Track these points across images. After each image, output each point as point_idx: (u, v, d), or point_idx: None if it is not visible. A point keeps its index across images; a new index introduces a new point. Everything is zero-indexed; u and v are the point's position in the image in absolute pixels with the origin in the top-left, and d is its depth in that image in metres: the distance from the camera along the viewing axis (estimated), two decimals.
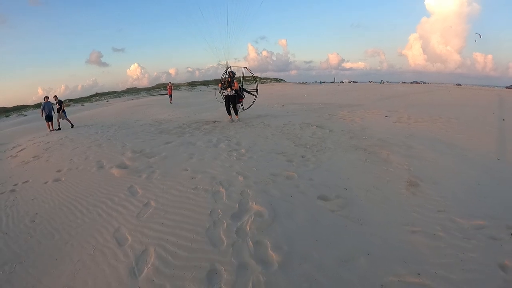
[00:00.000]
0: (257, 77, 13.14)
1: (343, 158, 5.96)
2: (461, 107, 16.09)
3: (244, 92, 11.83)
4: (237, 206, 3.87)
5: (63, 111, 13.93)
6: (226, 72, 11.44)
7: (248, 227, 3.35)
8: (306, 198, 4.11)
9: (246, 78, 13.32)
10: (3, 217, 4.55)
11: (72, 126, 13.69)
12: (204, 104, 22.79)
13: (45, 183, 5.64)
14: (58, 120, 13.76)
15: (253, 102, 12.96)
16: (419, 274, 2.63)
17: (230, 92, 10.84)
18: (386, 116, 11.29)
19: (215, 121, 11.35)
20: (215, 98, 13.73)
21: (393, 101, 19.79)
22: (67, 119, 14.06)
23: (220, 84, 11.66)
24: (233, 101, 11.01)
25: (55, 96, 14.14)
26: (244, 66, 12.90)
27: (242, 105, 12.09)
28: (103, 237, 3.52)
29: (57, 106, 13.84)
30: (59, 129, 13.42)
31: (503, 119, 10.60)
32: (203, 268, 2.74)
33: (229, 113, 11.36)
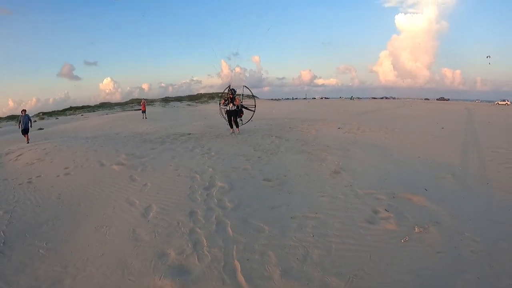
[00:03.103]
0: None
1: (290, 158, 7.97)
2: (412, 119, 18.90)
3: (243, 108, 13.26)
4: (207, 183, 5.82)
5: None
6: (228, 89, 12.93)
7: (214, 193, 5.31)
8: (255, 179, 6.09)
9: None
10: (31, 197, 6.09)
11: None
12: (178, 119, 24.46)
13: (57, 176, 7.20)
14: None
15: (251, 117, 14.27)
16: (316, 213, 4.56)
17: (232, 107, 12.51)
18: (339, 128, 13.50)
19: (190, 134, 13.09)
20: (219, 114, 14.84)
21: (354, 115, 22.53)
22: None
23: (223, 101, 13.30)
24: (234, 115, 12.62)
25: None
26: (244, 85, 14.54)
27: (241, 120, 13.37)
28: (118, 202, 5.29)
29: None
30: None
31: (442, 128, 13.15)
32: (186, 210, 4.65)
33: (231, 126, 12.86)
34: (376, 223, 4.19)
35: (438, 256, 3.35)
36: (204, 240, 3.79)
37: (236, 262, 3.32)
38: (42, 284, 3.42)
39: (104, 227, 4.49)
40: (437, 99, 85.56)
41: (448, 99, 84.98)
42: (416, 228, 3.94)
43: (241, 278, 3.08)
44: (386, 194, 5.16)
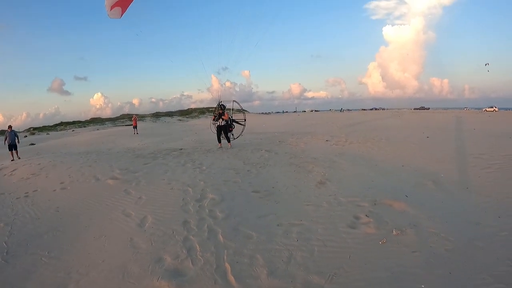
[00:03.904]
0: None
1: (278, 170, 8.37)
2: (399, 129, 19.52)
3: (233, 123, 13.65)
4: (199, 196, 6.19)
5: None
6: (218, 105, 13.35)
7: (206, 204, 5.69)
8: (244, 191, 6.49)
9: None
10: (30, 211, 6.35)
11: None
12: (169, 135, 24.78)
13: (54, 190, 7.46)
14: None
15: (242, 131, 14.72)
16: (301, 220, 4.94)
17: (221, 122, 12.97)
18: (327, 140, 13.98)
19: (181, 149, 13.39)
20: (210, 129, 15.11)
21: (342, 127, 23.18)
22: None
23: (213, 117, 13.70)
24: (224, 130, 13.06)
25: None
26: (234, 100, 15.07)
27: (232, 134, 13.77)
28: (115, 214, 5.61)
29: None
30: None
31: (427, 137, 13.74)
32: (180, 220, 5.01)
33: (219, 141, 13.28)
34: (356, 227, 4.59)
35: (413, 255, 3.75)
36: (197, 246, 4.16)
37: (227, 265, 3.69)
38: None
39: (103, 237, 4.82)
40: (416, 109, 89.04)
41: (429, 108, 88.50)
42: (394, 231, 4.32)
43: (231, 278, 3.45)
44: (368, 202, 5.55)
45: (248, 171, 8.33)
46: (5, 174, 9.85)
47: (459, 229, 4.41)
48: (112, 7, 7.86)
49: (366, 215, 4.95)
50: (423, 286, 3.17)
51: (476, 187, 6.44)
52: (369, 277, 3.38)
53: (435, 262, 3.57)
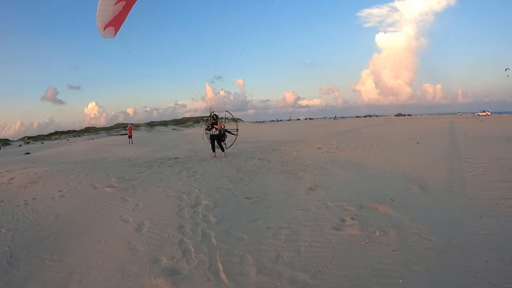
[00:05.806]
0: (237, 118, 15.42)
1: (270, 178, 8.72)
2: (390, 135, 19.96)
3: (226, 132, 14.06)
4: (194, 202, 6.52)
5: None
6: (210, 115, 13.75)
7: (200, 210, 6.01)
8: (237, 198, 6.82)
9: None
10: (30, 217, 6.58)
11: None
12: (164, 144, 25.05)
13: (53, 198, 7.71)
14: None
15: (234, 141, 15.12)
16: (290, 224, 5.27)
17: (214, 132, 13.44)
18: (319, 148, 14.41)
19: (176, 158, 13.73)
20: (202, 138, 15.69)
21: (334, 135, 23.62)
22: None
23: (206, 126, 14.21)
24: (217, 139, 13.54)
25: None
26: (226, 110, 15.51)
27: (225, 143, 14.18)
28: (113, 220, 5.90)
29: None
30: None
31: (417, 142, 14.18)
32: (175, 225, 5.32)
33: (213, 150, 13.75)
34: (341, 229, 4.89)
35: (394, 253, 4.04)
36: (192, 248, 4.47)
37: (219, 264, 4.01)
38: None
39: (103, 241, 5.10)
40: (395, 115, 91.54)
41: (405, 115, 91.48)
42: (377, 232, 4.62)
43: (223, 275, 3.76)
44: (355, 206, 5.85)
45: (241, 178, 8.66)
46: (3, 183, 10.03)
47: (440, 230, 4.71)
48: (105, 28, 8.19)
49: (351, 218, 5.25)
50: (401, 281, 3.46)
51: (460, 190, 6.76)
52: (350, 273, 3.68)
53: (414, 259, 3.86)
